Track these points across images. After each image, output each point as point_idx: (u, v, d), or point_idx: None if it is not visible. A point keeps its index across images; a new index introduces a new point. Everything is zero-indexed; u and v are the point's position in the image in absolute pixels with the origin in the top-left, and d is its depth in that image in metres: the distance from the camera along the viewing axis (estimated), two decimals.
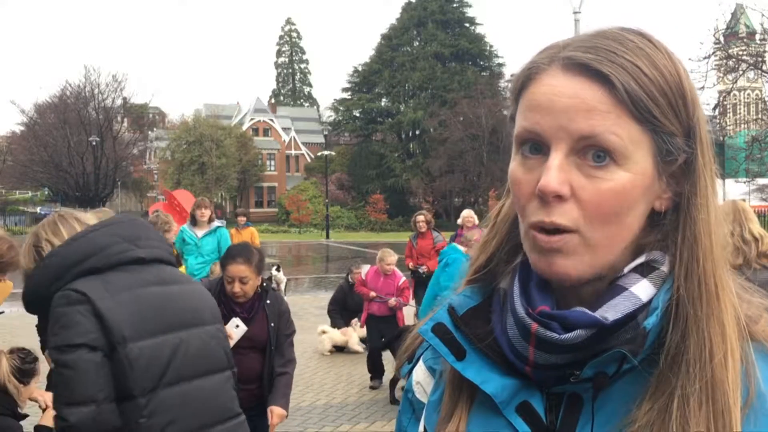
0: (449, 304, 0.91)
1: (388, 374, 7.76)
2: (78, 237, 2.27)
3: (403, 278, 8.04)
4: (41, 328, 3.87)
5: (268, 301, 3.94)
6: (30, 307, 2.38)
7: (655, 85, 0.78)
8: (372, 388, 7.80)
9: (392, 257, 8.03)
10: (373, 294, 7.91)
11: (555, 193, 0.77)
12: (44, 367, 3.78)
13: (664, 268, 0.82)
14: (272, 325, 3.90)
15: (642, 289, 0.80)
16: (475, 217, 9.69)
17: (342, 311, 9.95)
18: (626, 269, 0.82)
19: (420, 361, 0.98)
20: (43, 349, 3.81)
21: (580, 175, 0.78)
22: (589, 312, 0.79)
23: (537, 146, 0.81)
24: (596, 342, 0.79)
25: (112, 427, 2.11)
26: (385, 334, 7.79)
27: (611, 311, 0.79)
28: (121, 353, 2.12)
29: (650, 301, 0.80)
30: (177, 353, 2.26)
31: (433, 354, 0.95)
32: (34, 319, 3.99)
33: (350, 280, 9.91)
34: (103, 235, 2.29)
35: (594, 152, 0.78)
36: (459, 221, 9.90)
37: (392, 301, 7.74)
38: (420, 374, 0.97)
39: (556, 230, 0.79)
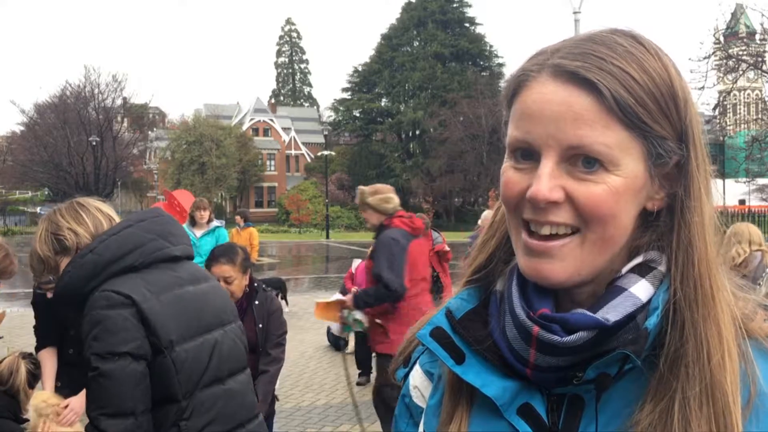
0: (447, 307, 0.91)
1: None
2: (113, 233, 2.17)
3: None
4: (38, 329, 3.89)
5: (256, 302, 3.86)
6: (62, 304, 2.27)
7: (645, 90, 0.78)
8: (359, 384, 7.82)
9: None
10: (355, 289, 8.00)
11: (546, 201, 0.78)
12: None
13: (662, 268, 0.82)
14: (260, 326, 3.82)
15: (641, 289, 0.80)
16: None
17: None
18: (624, 270, 0.82)
19: (416, 365, 0.97)
20: (37, 349, 3.83)
21: (571, 180, 0.78)
22: (590, 314, 0.79)
23: (528, 152, 0.81)
24: (597, 343, 0.79)
25: None
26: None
27: (612, 312, 0.79)
28: (169, 357, 2.08)
29: (649, 301, 0.80)
30: (214, 354, 2.24)
31: (430, 358, 0.95)
32: (33, 319, 4.00)
33: None
34: (139, 231, 2.21)
35: (583, 159, 0.78)
36: (479, 222, 9.89)
37: None
38: (417, 378, 0.97)
39: (553, 234, 0.80)
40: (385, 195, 4.92)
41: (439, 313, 0.91)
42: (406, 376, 0.98)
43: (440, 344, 0.87)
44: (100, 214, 2.29)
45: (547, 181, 0.78)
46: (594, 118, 0.77)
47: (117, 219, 2.34)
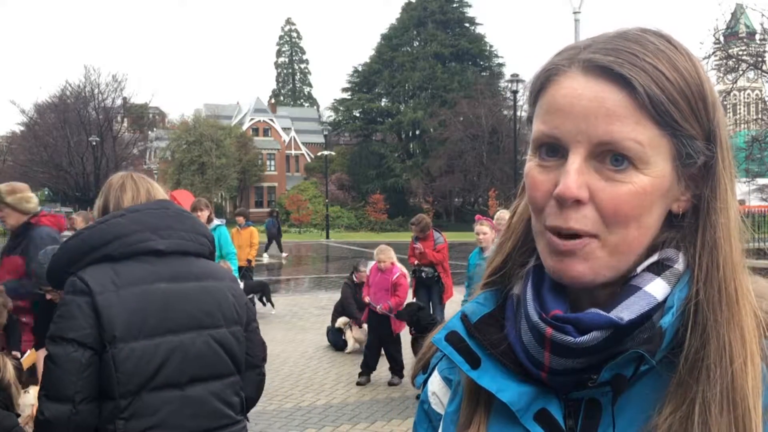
0: (462, 311, 0.90)
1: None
2: (103, 221, 2.20)
3: (398, 273, 8.12)
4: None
5: None
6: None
7: (676, 88, 0.77)
8: (358, 383, 7.90)
9: (383, 254, 8.16)
10: (367, 299, 8.24)
11: (574, 198, 0.77)
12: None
13: (679, 266, 0.80)
14: None
15: (657, 288, 0.79)
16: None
17: (353, 306, 9.93)
18: (639, 268, 0.81)
19: (435, 371, 0.96)
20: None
21: (598, 179, 0.77)
22: (604, 313, 0.78)
23: (554, 148, 0.79)
24: (612, 344, 0.77)
25: (88, 426, 2.06)
26: (380, 331, 8.02)
27: (626, 311, 0.77)
28: (109, 353, 2.05)
29: (665, 300, 0.79)
30: (172, 357, 2.14)
31: (448, 364, 0.93)
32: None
33: (354, 279, 10.10)
34: (128, 221, 2.20)
35: (612, 156, 0.77)
36: (495, 221, 9.89)
37: (378, 308, 7.94)
38: (436, 385, 0.96)
39: (575, 235, 0.78)
40: (24, 194, 4.81)
41: (455, 317, 0.90)
42: (425, 382, 0.97)
43: (455, 348, 0.86)
44: (147, 187, 2.39)
45: (576, 177, 0.76)
46: (626, 114, 0.75)
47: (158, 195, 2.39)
